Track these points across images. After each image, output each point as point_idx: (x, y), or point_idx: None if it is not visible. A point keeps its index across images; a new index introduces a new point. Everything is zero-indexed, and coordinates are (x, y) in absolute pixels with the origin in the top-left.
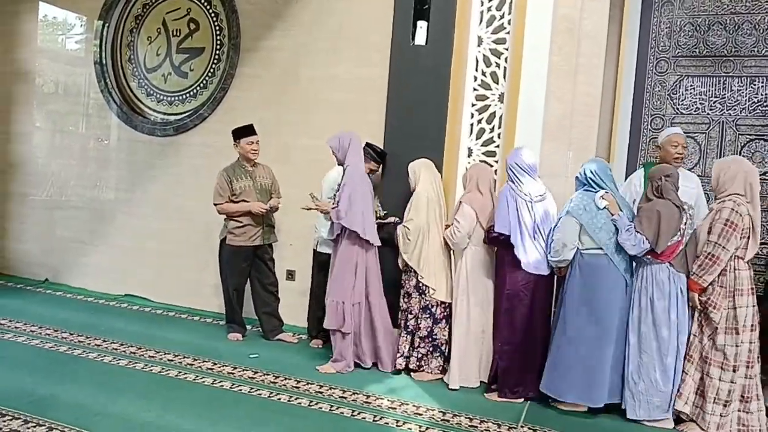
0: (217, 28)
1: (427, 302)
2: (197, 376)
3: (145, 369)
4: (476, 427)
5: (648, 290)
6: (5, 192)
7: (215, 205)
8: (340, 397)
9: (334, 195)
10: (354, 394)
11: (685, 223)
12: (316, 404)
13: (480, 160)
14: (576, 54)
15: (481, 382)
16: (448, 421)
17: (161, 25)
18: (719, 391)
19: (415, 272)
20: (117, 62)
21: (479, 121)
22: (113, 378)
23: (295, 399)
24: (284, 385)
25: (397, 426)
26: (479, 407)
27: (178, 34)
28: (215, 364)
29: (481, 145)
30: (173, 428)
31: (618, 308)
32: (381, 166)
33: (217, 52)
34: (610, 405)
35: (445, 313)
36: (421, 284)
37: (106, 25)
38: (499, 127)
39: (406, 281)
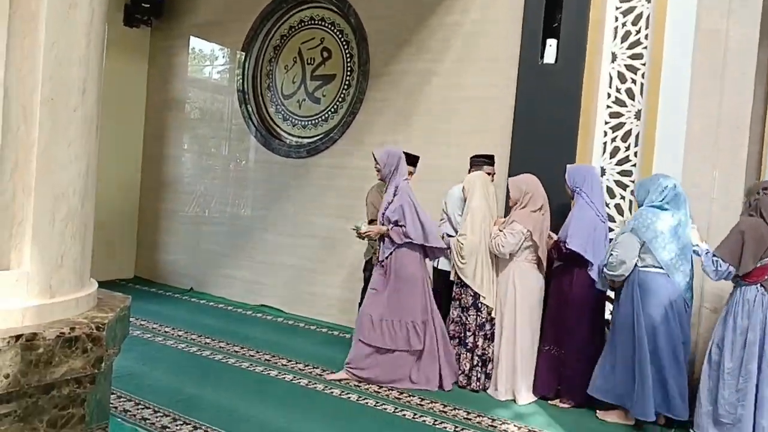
0: (348, 55)
1: (483, 319)
2: (325, 387)
3: (278, 377)
4: None
5: (734, 310)
6: (158, 209)
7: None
8: (464, 418)
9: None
10: (479, 416)
11: None
12: (440, 423)
13: (614, 180)
14: (722, 66)
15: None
16: None
17: (297, 55)
18: None
19: (472, 289)
20: (257, 90)
21: (613, 140)
22: (250, 383)
23: (420, 416)
24: (408, 401)
25: None
26: None
27: (312, 62)
28: None
29: (616, 164)
30: None
31: (673, 326)
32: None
33: (348, 78)
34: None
35: (493, 330)
36: (479, 302)
37: (248, 55)
38: (636, 146)
39: (463, 295)
